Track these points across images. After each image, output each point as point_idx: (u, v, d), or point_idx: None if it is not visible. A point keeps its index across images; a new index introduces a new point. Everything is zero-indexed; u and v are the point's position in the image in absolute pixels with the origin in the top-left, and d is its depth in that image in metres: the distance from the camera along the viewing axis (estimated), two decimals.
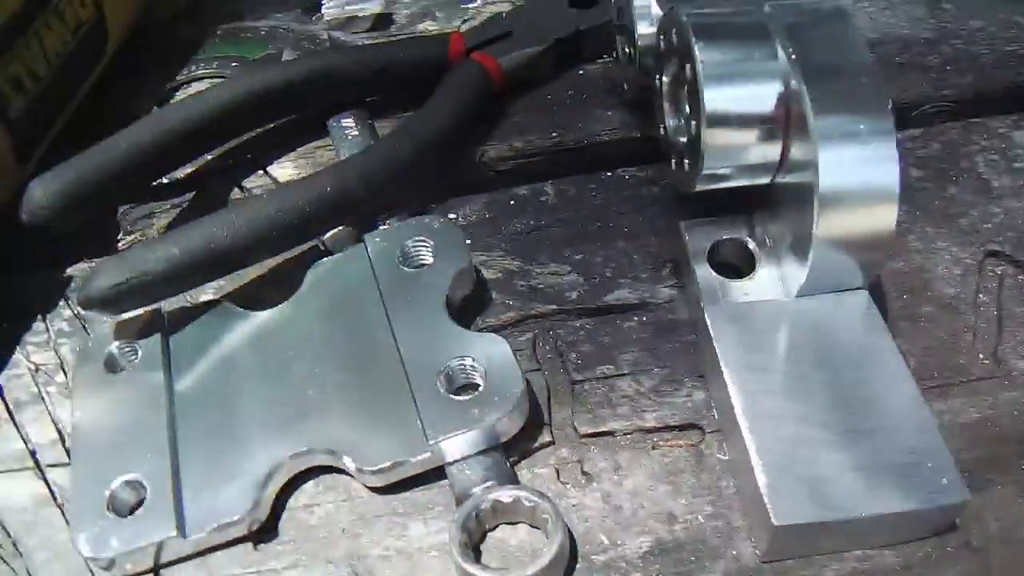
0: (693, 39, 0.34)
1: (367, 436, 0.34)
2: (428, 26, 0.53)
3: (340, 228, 0.41)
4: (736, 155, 0.35)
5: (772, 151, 0.35)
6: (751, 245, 0.38)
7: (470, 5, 0.54)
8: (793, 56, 0.33)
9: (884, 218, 0.33)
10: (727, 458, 0.34)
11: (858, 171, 0.33)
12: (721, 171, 0.36)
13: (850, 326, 0.35)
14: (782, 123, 0.35)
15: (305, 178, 0.39)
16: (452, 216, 0.42)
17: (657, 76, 0.39)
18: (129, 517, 0.33)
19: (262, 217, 0.38)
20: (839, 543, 0.32)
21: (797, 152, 0.34)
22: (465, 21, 0.53)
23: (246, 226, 0.37)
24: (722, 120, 0.34)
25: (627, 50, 0.44)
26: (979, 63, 0.49)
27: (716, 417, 0.35)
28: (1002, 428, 0.35)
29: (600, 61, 0.49)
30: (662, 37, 0.38)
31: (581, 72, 0.49)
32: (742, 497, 0.33)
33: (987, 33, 0.51)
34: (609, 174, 0.44)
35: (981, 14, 0.52)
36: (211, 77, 0.50)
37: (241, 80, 0.43)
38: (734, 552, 0.32)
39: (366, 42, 0.52)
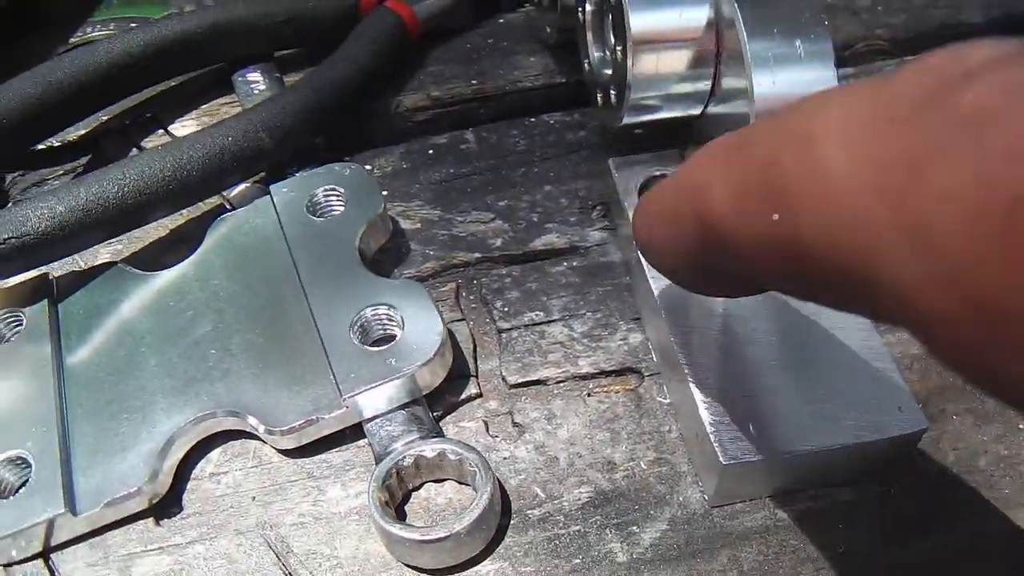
0: None
1: (275, 395, 0.31)
2: None
3: (247, 185, 0.38)
4: (664, 83, 0.33)
5: (703, 79, 0.33)
6: None
7: None
8: None
9: None
10: (668, 401, 0.32)
11: (795, 95, 0.30)
12: (649, 101, 0.34)
13: None
14: (713, 49, 0.33)
15: (205, 129, 0.36)
16: (368, 168, 0.39)
17: (580, 8, 0.37)
18: (12, 497, 0.29)
19: (156, 170, 0.34)
20: (791, 482, 0.30)
21: (729, 79, 0.32)
22: None
23: (139, 180, 0.34)
24: (649, 44, 0.32)
25: None
26: (911, 3, 0.48)
27: (655, 359, 0.33)
28: None
29: (521, 10, 0.47)
30: None
31: (501, 20, 0.46)
32: (687, 440, 0.31)
33: None
34: (532, 120, 0.41)
35: None
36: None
37: (135, 33, 0.40)
38: (680, 498, 0.30)
39: None
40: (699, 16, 0.32)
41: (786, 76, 0.30)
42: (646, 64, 0.33)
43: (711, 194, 0.20)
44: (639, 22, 0.32)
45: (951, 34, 0.46)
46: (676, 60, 0.33)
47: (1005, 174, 0.14)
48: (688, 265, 0.23)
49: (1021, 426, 0.32)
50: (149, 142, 0.41)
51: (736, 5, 0.30)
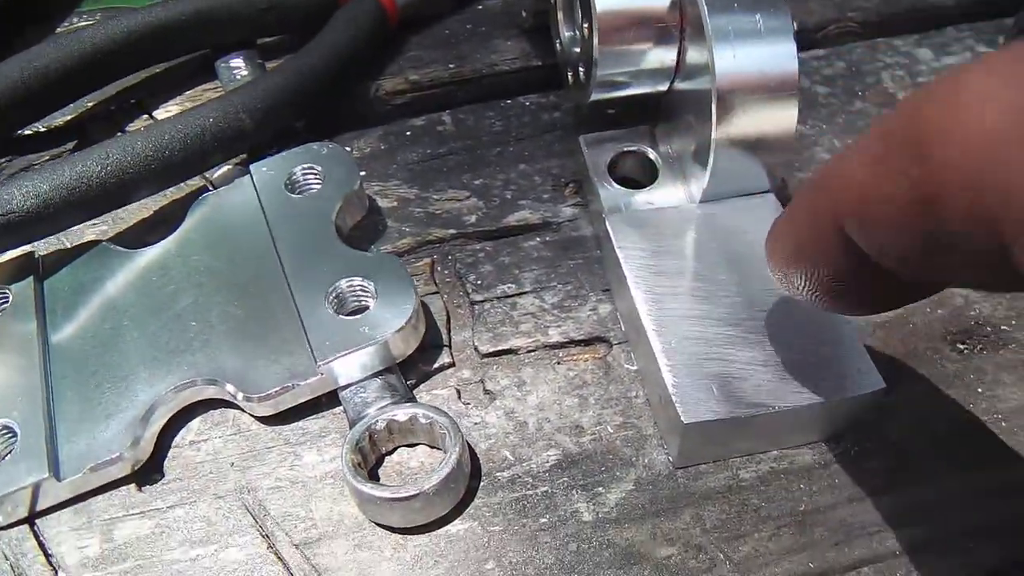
0: None
1: (253, 364, 0.32)
2: None
3: (229, 167, 0.39)
4: (630, 59, 0.34)
5: (668, 55, 0.34)
6: (652, 156, 0.36)
7: None
8: None
9: (785, 117, 0.32)
10: (635, 368, 0.33)
11: (755, 69, 0.31)
12: (616, 77, 0.35)
13: (758, 228, 0.33)
14: (677, 25, 0.34)
15: (187, 111, 0.37)
16: (347, 149, 0.40)
17: None
18: None
19: (139, 150, 0.35)
20: (753, 443, 0.31)
21: (693, 55, 0.33)
22: None
23: (122, 160, 0.35)
24: (614, 21, 0.33)
25: None
26: None
27: (623, 328, 0.34)
28: (915, 326, 0.34)
29: None
30: None
31: (480, 7, 0.47)
32: (652, 404, 0.32)
33: None
34: (509, 102, 0.42)
35: None
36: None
37: (119, 20, 0.41)
38: (646, 460, 0.31)
39: None
40: None
41: (746, 50, 0.31)
42: (611, 41, 0.33)
43: (847, 172, 0.20)
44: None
45: (921, 17, 0.47)
46: (641, 36, 0.34)
47: None
48: (831, 275, 0.23)
49: (979, 390, 0.32)
50: (134, 127, 0.42)
51: None
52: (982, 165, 0.16)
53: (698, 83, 0.33)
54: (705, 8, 0.31)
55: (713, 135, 0.32)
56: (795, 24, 0.44)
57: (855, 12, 0.47)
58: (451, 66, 0.43)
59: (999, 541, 0.29)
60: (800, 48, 0.44)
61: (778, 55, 0.32)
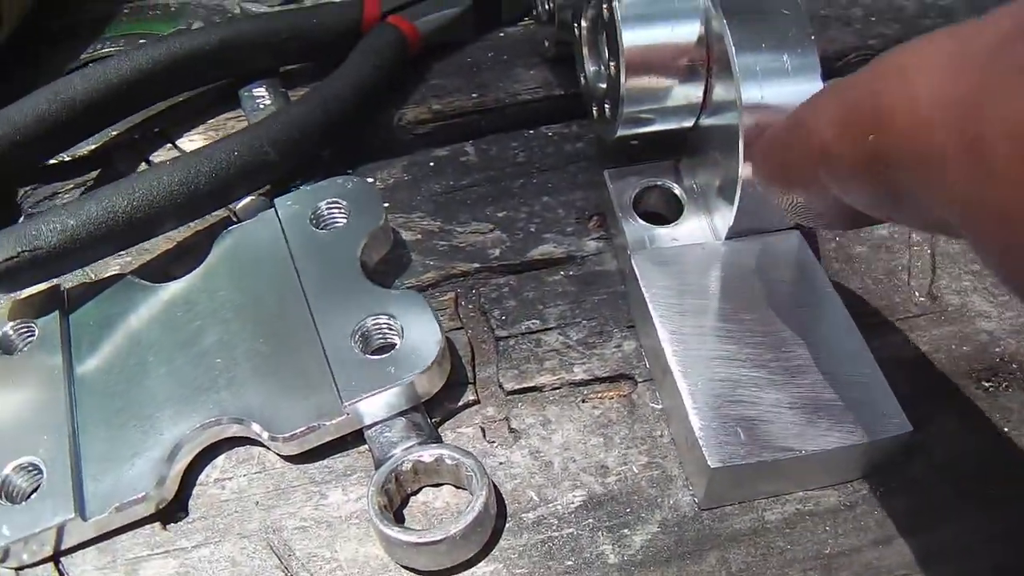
0: None
1: (279, 402, 0.32)
2: None
3: (252, 198, 0.39)
4: (657, 96, 0.34)
5: (694, 92, 0.34)
6: (677, 191, 0.36)
7: None
8: None
9: None
10: (661, 407, 0.33)
11: (782, 107, 0.31)
12: (642, 114, 0.35)
13: (782, 265, 0.34)
14: (704, 63, 0.34)
15: (212, 143, 0.37)
16: (371, 180, 0.40)
17: (576, 23, 0.38)
18: (24, 503, 0.30)
19: (165, 185, 0.35)
20: (779, 485, 0.30)
21: (720, 92, 0.33)
22: None
23: (148, 194, 0.35)
24: (641, 59, 0.33)
25: (546, 5, 0.42)
26: (903, 14, 0.49)
27: (648, 366, 0.34)
28: (941, 363, 0.34)
29: (521, 24, 0.48)
30: None
31: (502, 35, 0.47)
32: (678, 444, 0.32)
33: None
34: (532, 132, 0.42)
35: None
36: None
37: (144, 50, 0.41)
38: (671, 501, 0.30)
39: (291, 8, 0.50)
40: (690, 31, 0.33)
41: (774, 89, 0.31)
42: (638, 79, 0.33)
43: (819, 124, 0.23)
44: (631, 37, 0.33)
45: None
46: (668, 74, 0.34)
47: None
48: (792, 186, 0.26)
49: (1006, 429, 0.32)
50: (158, 156, 0.42)
51: (725, 21, 0.31)
52: (923, 141, 0.19)
53: (725, 119, 0.33)
54: (733, 47, 0.31)
55: (740, 172, 0.32)
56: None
57: (875, 40, 0.47)
58: (474, 95, 0.43)
59: None
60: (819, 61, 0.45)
61: (806, 93, 0.31)
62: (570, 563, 0.29)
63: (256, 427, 0.31)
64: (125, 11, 0.51)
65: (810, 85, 0.31)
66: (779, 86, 0.31)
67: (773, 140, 0.28)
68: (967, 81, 0.19)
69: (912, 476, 0.31)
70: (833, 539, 0.30)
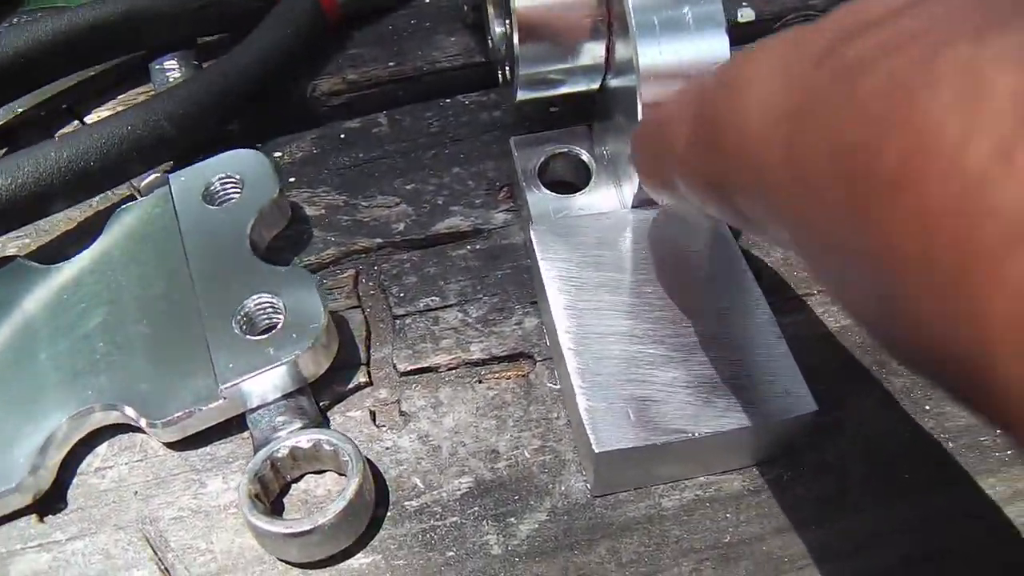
0: None
1: (157, 387, 0.30)
2: None
3: (156, 175, 0.38)
4: (555, 57, 0.32)
5: (597, 51, 0.32)
6: (585, 158, 0.34)
7: None
8: None
9: None
10: (558, 387, 0.31)
11: (684, 64, 0.29)
12: (542, 75, 0.33)
13: (692, 236, 0.32)
14: (605, 19, 0.32)
15: (106, 118, 0.36)
16: (278, 154, 0.39)
17: None
18: None
19: (52, 162, 0.34)
20: (678, 469, 0.29)
21: (621, 50, 0.31)
22: None
23: (34, 172, 0.34)
24: (535, 17, 0.31)
25: None
26: None
27: (547, 344, 0.32)
28: (861, 338, 0.32)
29: None
30: None
31: (427, 0, 0.45)
32: (573, 427, 0.30)
33: None
34: (448, 101, 0.40)
35: None
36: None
37: (44, 21, 0.39)
38: (563, 488, 0.29)
39: None
40: None
41: (674, 45, 0.29)
42: (533, 36, 0.31)
43: (673, 129, 0.22)
44: None
45: None
46: (566, 33, 0.32)
47: (856, 135, 0.15)
48: (660, 187, 0.25)
49: (927, 407, 0.30)
50: (64, 132, 0.41)
51: None
52: (751, 164, 0.18)
53: (627, 80, 0.31)
54: (630, 1, 0.29)
55: None
56: (749, 13, 0.42)
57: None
58: (391, 64, 0.41)
59: (941, 572, 0.27)
60: (756, 39, 0.42)
61: (709, 50, 0.29)
62: (451, 554, 0.28)
63: (132, 413, 0.30)
64: None
65: (715, 40, 0.29)
66: (679, 42, 0.29)
67: (644, 131, 0.26)
68: (797, 92, 0.17)
69: (824, 460, 0.29)
70: (734, 527, 0.28)
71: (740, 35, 0.43)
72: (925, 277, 0.13)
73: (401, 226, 0.36)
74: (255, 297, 0.31)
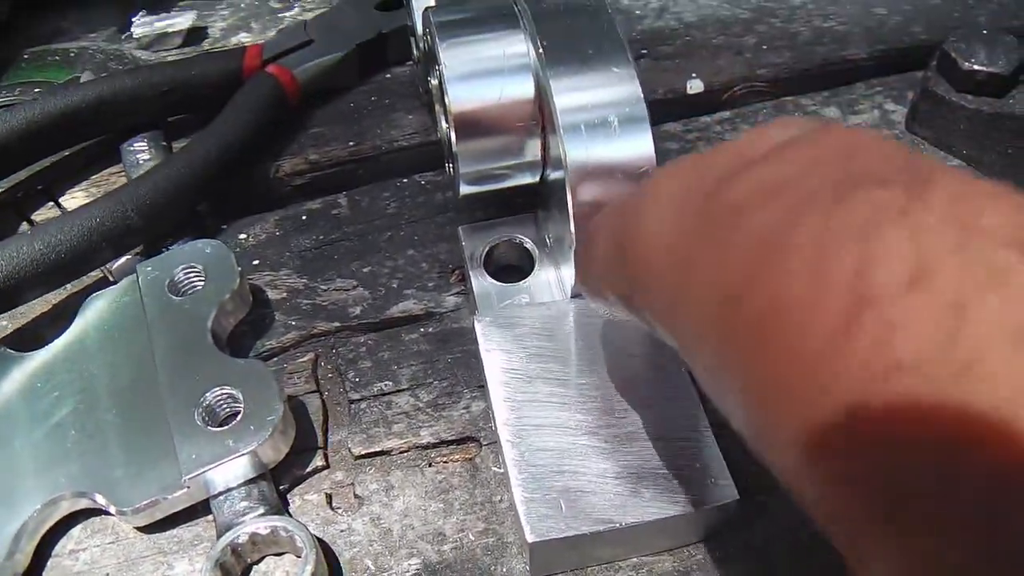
0: (437, 39, 0.33)
1: (124, 476, 0.32)
2: (243, 39, 0.52)
3: (127, 258, 0.40)
4: (493, 155, 0.34)
5: (533, 148, 0.34)
6: (528, 245, 0.37)
7: (287, 14, 0.53)
8: (541, 49, 0.32)
9: None
10: (502, 471, 0.33)
11: (610, 164, 0.31)
12: (482, 173, 0.35)
13: (627, 326, 0.34)
14: (538, 122, 0.34)
15: (76, 210, 0.38)
16: (243, 236, 0.41)
17: (428, 80, 0.38)
18: None
19: (25, 256, 0.36)
20: (610, 552, 0.31)
21: (553, 148, 0.33)
22: (281, 31, 0.51)
23: (8, 266, 0.36)
24: (470, 120, 0.33)
25: (419, 46, 0.42)
26: (796, 41, 0.48)
27: (493, 428, 0.34)
28: None
29: (408, 64, 0.48)
30: (425, 39, 0.37)
31: (388, 76, 0.47)
32: (515, 511, 0.32)
33: (806, 10, 0.50)
34: (405, 180, 0.42)
35: None
36: (12, 104, 0.48)
37: (18, 111, 0.41)
38: (504, 570, 0.31)
39: (173, 59, 0.50)
40: (522, 89, 0.33)
41: (599, 146, 0.31)
42: (470, 138, 0.33)
43: (596, 244, 0.25)
44: (458, 99, 0.33)
45: (834, 71, 0.47)
46: (502, 133, 0.34)
47: (739, 273, 0.17)
48: (594, 293, 0.27)
49: None
50: (39, 215, 0.43)
51: (549, 78, 0.31)
52: (654, 287, 0.20)
53: (560, 174, 0.33)
54: (556, 107, 0.31)
55: (571, 229, 0.32)
56: (698, 85, 0.44)
57: (765, 69, 0.47)
58: (351, 144, 0.43)
59: None
60: (706, 112, 0.45)
61: (633, 149, 0.31)
62: None
63: (102, 500, 0.32)
64: (25, 56, 0.52)
65: (638, 141, 0.31)
66: (604, 143, 0.31)
67: (578, 244, 0.29)
68: (687, 221, 0.19)
69: (751, 542, 0.31)
70: None
71: (689, 106, 0.45)
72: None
73: (358, 309, 0.38)
74: (216, 389, 0.33)
